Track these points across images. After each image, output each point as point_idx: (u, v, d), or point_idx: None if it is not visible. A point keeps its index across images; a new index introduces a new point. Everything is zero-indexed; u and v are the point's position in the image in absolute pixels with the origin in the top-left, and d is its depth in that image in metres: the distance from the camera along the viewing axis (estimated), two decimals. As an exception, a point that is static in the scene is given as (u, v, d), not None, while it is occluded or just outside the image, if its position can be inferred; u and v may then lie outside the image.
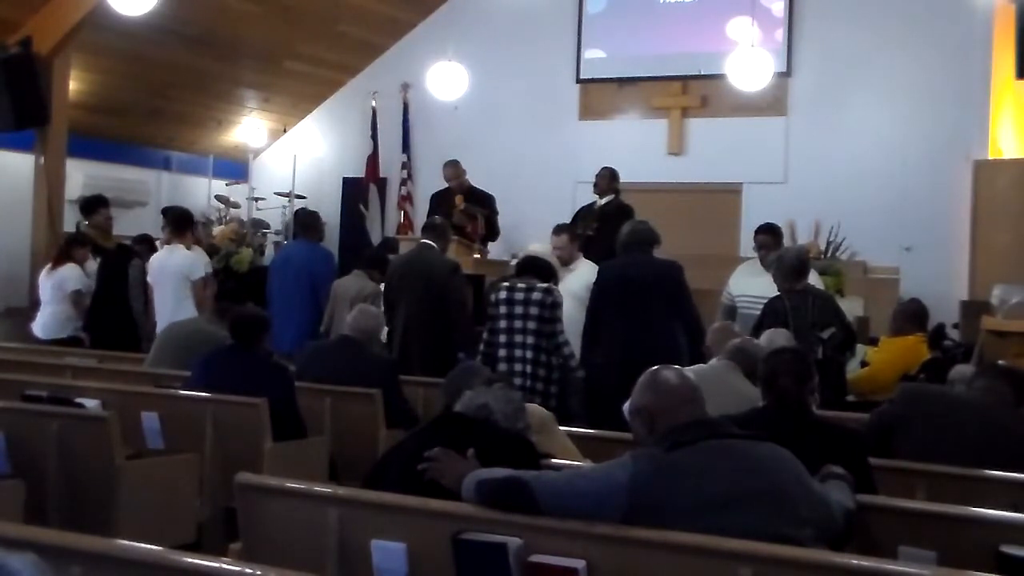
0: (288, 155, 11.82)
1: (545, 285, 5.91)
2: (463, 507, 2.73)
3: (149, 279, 7.51)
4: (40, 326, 7.98)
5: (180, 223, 7.53)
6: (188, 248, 7.47)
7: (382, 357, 5.93)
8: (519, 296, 5.88)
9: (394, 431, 4.96)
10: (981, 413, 3.99)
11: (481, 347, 6.04)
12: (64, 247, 8.16)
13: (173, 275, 7.31)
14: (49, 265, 8.05)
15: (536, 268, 6.02)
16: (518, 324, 5.86)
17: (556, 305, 5.87)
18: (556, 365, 5.91)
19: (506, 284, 6.05)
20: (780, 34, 10.44)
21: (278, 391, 4.82)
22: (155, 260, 7.53)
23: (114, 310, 7.77)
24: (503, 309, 5.91)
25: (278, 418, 4.67)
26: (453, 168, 9.24)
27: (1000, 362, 4.28)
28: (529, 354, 5.84)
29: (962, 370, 4.79)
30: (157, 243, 8.06)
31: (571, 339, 6.01)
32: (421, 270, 6.62)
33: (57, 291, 7.87)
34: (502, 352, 5.90)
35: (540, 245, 6.46)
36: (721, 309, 6.63)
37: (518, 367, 5.83)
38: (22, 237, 9.56)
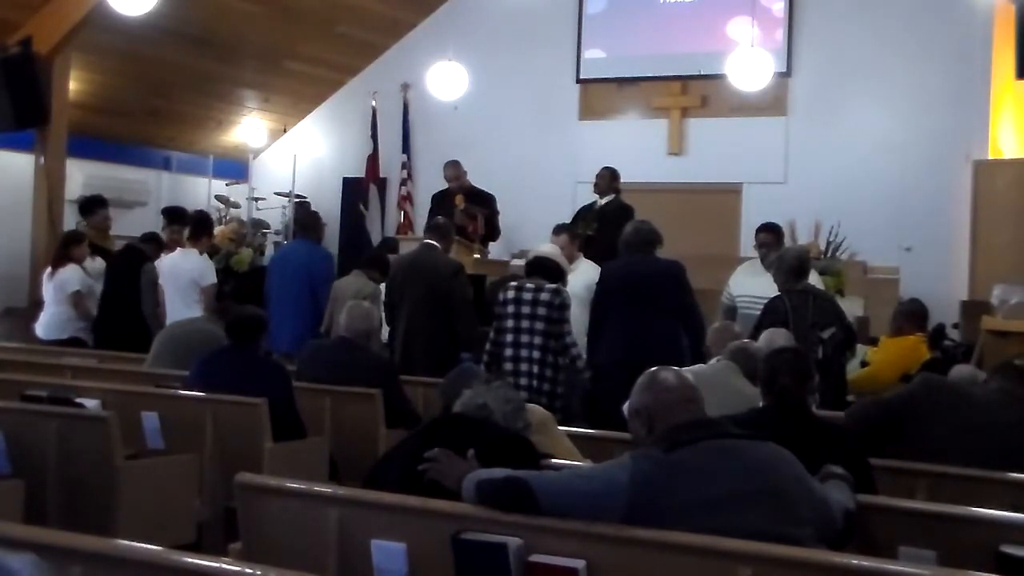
0: (288, 155, 11.82)
1: (553, 286, 5.87)
2: (463, 507, 2.72)
3: (160, 281, 7.49)
4: (42, 326, 7.96)
5: (200, 228, 7.52)
6: (201, 253, 7.48)
7: (381, 357, 5.92)
8: (527, 296, 5.85)
9: (394, 431, 4.95)
10: (1000, 415, 3.95)
11: (487, 347, 6.01)
12: (61, 247, 8.11)
13: (184, 279, 7.31)
14: (49, 268, 8.02)
15: (545, 269, 5.97)
16: (525, 324, 5.83)
17: (564, 306, 5.84)
18: (563, 366, 5.89)
19: (514, 284, 6.00)
20: (780, 34, 10.45)
21: (276, 391, 4.80)
22: (167, 262, 7.51)
23: (125, 313, 7.68)
24: (511, 309, 5.88)
25: (276, 418, 4.65)
26: (453, 168, 9.23)
27: (1016, 361, 4.21)
28: (536, 354, 5.81)
29: (962, 370, 4.77)
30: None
31: (573, 339, 6.01)
32: (424, 270, 6.60)
33: (58, 292, 7.84)
34: (508, 352, 5.87)
35: (549, 246, 6.42)
36: (721, 309, 6.63)
37: (524, 367, 5.81)
38: (22, 237, 9.56)
